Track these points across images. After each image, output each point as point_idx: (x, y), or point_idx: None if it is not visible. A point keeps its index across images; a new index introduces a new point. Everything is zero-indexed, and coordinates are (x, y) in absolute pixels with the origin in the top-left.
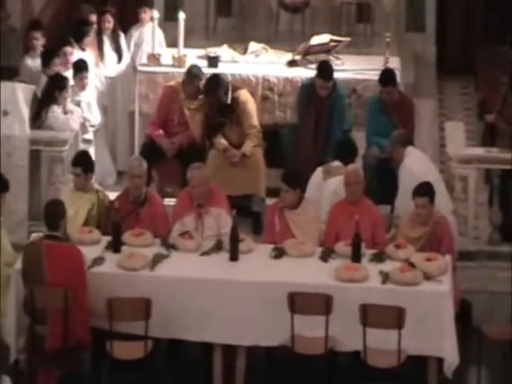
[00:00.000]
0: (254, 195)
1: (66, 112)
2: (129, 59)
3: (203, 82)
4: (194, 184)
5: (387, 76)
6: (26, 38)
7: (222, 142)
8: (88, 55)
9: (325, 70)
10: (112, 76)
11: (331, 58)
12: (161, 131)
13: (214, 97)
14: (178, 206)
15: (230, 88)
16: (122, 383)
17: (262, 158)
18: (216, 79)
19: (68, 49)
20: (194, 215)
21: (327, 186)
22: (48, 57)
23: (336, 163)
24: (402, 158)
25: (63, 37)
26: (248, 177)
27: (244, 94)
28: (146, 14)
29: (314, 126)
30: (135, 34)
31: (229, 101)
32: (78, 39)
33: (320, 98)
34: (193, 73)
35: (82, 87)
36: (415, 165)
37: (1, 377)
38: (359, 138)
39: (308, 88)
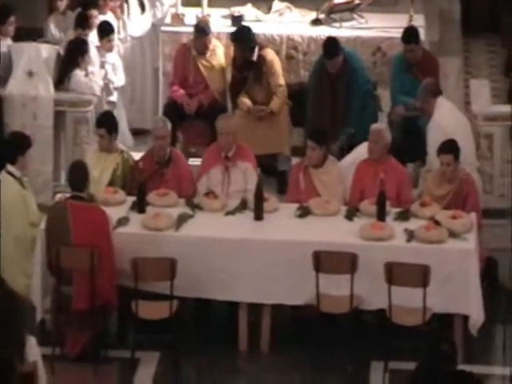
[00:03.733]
0: (280, 154)
1: (87, 74)
2: (150, 18)
3: (211, 36)
4: (223, 132)
5: (409, 34)
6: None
7: (245, 101)
8: (109, 16)
9: (327, 47)
10: (137, 36)
11: (355, 16)
12: (181, 91)
13: (240, 47)
14: (206, 159)
15: (257, 46)
16: (148, 343)
17: (288, 117)
18: (245, 29)
19: (94, 12)
20: (222, 167)
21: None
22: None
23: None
24: (432, 108)
25: None
26: (274, 135)
27: (271, 53)
28: None
29: (329, 102)
30: None
31: (255, 57)
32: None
33: (331, 75)
34: (199, 28)
35: (109, 49)
36: (446, 119)
37: (27, 337)
38: (384, 96)
39: (319, 66)
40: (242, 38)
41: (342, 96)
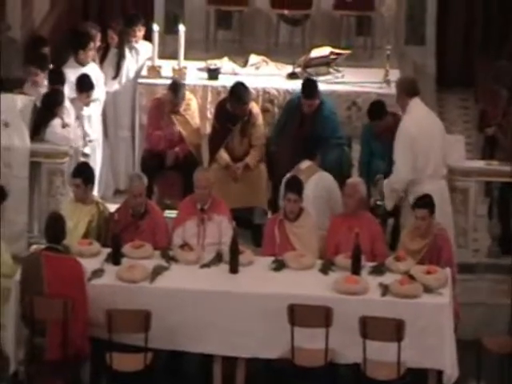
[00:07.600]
0: (256, 207)
1: (64, 125)
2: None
3: (181, 98)
4: (199, 185)
5: (373, 110)
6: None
7: (224, 157)
8: (92, 70)
9: (306, 87)
10: (111, 91)
11: (331, 70)
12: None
13: (237, 102)
14: (181, 211)
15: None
16: None
17: (265, 171)
18: (243, 85)
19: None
20: (197, 220)
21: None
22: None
23: (305, 163)
24: (405, 107)
25: (62, 50)
26: (250, 189)
27: (256, 107)
28: (140, 32)
29: (290, 143)
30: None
31: (247, 112)
32: (77, 50)
33: (302, 116)
34: (170, 85)
35: (87, 104)
36: (410, 126)
37: None
38: (358, 150)
39: (290, 105)
40: (240, 92)
41: (303, 139)
